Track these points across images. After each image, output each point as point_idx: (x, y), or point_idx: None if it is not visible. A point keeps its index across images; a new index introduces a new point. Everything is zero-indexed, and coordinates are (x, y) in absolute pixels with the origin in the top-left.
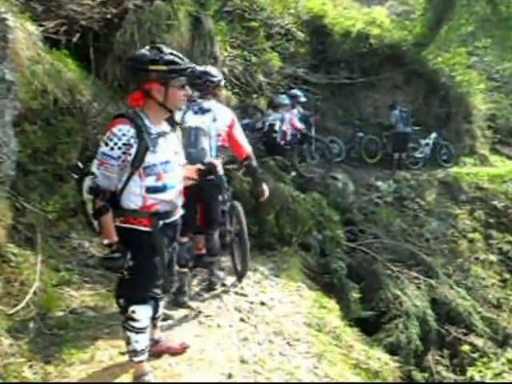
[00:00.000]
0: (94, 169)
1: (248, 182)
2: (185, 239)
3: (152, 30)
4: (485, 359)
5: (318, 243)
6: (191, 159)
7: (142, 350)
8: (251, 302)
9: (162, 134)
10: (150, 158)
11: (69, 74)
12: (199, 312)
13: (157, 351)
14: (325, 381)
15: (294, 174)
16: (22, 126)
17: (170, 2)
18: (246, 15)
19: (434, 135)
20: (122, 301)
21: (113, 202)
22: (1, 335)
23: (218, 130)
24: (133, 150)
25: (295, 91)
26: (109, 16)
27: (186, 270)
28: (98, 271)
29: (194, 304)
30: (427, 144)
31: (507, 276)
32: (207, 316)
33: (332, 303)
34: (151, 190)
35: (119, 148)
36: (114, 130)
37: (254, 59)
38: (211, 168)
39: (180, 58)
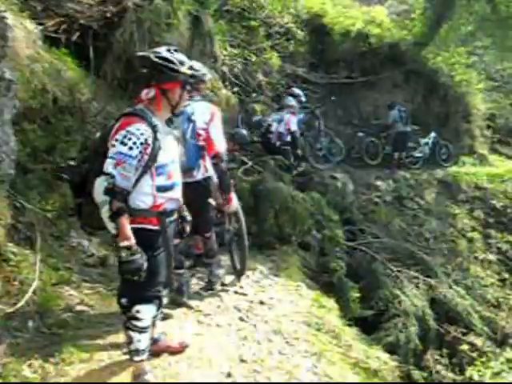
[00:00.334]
0: (110, 169)
1: (248, 182)
2: (176, 241)
3: (152, 29)
4: (484, 358)
5: (318, 242)
6: None
7: (144, 349)
8: (250, 301)
9: (168, 133)
10: (162, 158)
11: (68, 73)
12: (198, 311)
13: (156, 350)
14: (324, 380)
15: (295, 172)
16: (22, 124)
17: (169, 1)
18: (245, 14)
19: (433, 135)
20: (124, 300)
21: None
22: (0, 334)
23: (196, 129)
24: (149, 150)
25: (298, 91)
26: (108, 15)
27: (181, 271)
28: (98, 270)
29: (193, 303)
30: (426, 143)
31: (506, 275)
32: (206, 315)
33: (331, 302)
34: (162, 188)
35: (137, 147)
36: (131, 128)
37: (253, 58)
38: None
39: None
